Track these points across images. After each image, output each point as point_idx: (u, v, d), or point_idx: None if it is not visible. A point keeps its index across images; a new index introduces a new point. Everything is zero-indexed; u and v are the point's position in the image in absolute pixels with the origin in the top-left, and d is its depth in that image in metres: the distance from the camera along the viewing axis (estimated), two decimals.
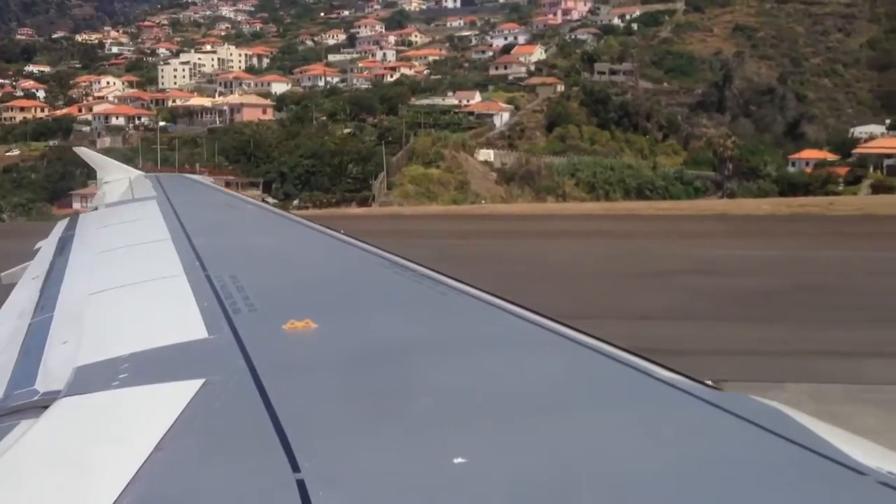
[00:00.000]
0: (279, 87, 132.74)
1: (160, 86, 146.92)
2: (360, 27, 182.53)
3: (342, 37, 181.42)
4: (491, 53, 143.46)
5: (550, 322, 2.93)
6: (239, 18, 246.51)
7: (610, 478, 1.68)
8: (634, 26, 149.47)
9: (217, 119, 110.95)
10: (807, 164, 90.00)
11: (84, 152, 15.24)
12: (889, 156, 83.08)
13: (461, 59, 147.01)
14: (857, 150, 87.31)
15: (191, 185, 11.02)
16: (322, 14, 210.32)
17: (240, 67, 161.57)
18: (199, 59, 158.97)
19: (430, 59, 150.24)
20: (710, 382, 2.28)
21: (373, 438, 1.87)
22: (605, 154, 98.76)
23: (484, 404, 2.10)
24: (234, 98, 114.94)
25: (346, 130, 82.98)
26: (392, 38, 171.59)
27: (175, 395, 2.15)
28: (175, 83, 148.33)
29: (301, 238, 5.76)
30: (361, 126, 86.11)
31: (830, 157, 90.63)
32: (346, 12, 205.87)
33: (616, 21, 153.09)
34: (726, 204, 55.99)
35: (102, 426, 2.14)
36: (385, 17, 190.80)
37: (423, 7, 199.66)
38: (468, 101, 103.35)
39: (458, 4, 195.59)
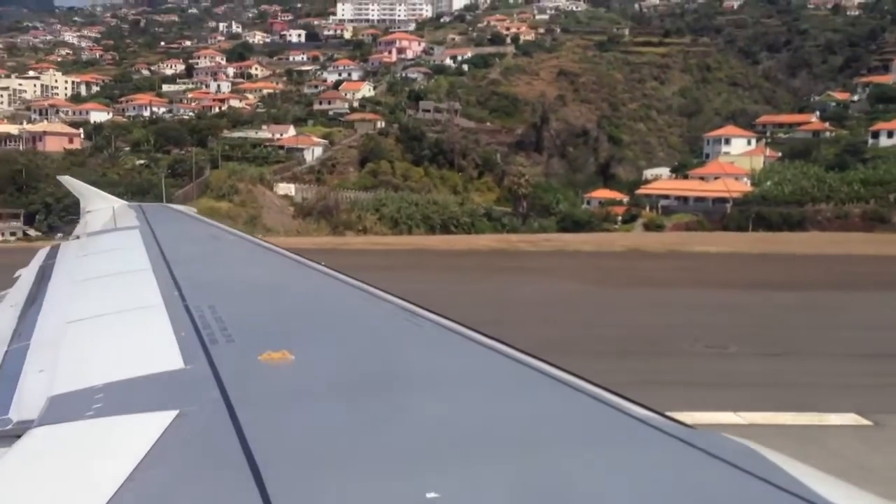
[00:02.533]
0: (99, 116, 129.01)
1: None
2: (199, 58, 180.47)
3: (181, 67, 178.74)
4: (323, 88, 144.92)
5: (527, 357, 2.94)
6: (83, 45, 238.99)
7: None
8: (465, 67, 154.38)
9: (22, 146, 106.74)
10: (600, 203, 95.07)
11: (68, 181, 14.64)
12: (666, 196, 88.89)
13: (294, 94, 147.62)
14: (639, 191, 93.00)
15: (175, 216, 10.78)
16: (162, 43, 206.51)
17: (65, 94, 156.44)
18: (20, 84, 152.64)
19: (265, 91, 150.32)
20: (683, 421, 2.31)
21: (347, 474, 1.86)
22: (416, 190, 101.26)
23: (459, 440, 2.11)
24: (39, 126, 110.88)
25: (140, 162, 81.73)
26: (230, 70, 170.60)
27: (148, 426, 2.15)
28: None
29: (282, 270, 5.69)
30: (157, 158, 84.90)
31: (623, 196, 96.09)
32: (189, 42, 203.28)
33: (448, 62, 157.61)
34: (458, 240, 58.46)
35: (75, 456, 2.12)
36: (228, 48, 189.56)
37: (267, 40, 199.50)
38: (281, 134, 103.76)
39: (303, 39, 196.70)
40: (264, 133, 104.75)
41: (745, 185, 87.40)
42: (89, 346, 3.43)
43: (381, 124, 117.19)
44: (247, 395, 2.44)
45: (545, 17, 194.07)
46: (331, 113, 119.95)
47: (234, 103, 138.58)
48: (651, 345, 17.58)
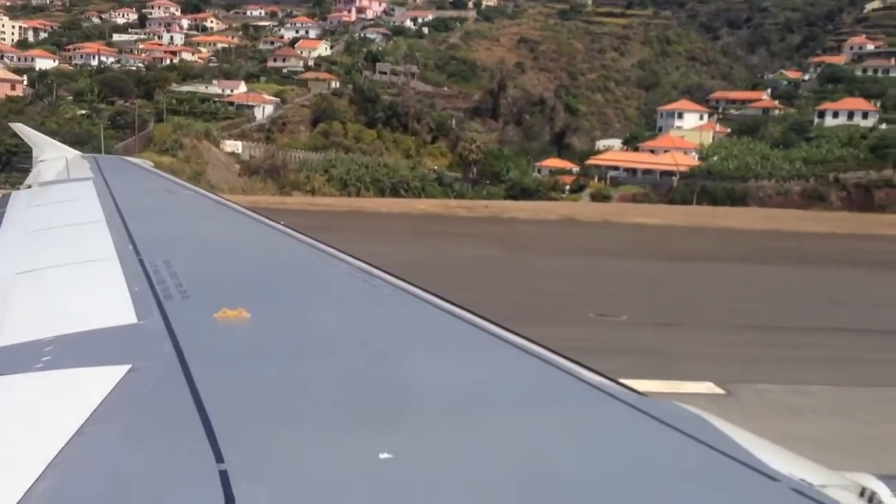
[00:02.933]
0: (45, 63, 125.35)
1: None
2: (153, 7, 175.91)
3: (134, 17, 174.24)
4: (280, 45, 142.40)
5: (482, 320, 2.91)
6: None
7: (529, 478, 1.66)
8: (426, 30, 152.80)
9: None
10: (550, 172, 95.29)
11: (20, 128, 13.96)
12: (615, 168, 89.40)
13: (250, 49, 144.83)
14: (589, 162, 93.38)
15: (130, 169, 10.54)
16: None
17: (11, 40, 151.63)
18: None
19: (219, 46, 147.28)
20: (636, 388, 2.29)
21: (298, 431, 1.83)
22: (368, 152, 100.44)
23: (411, 401, 2.08)
24: None
25: (81, 112, 79.79)
26: (185, 22, 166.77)
27: (99, 380, 2.07)
28: None
29: (239, 227, 5.59)
30: (99, 109, 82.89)
31: (574, 166, 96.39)
32: None
33: (408, 23, 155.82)
34: (396, 203, 58.34)
35: (23, 408, 2.06)
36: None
37: None
38: (232, 90, 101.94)
39: None
40: (214, 88, 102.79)
41: (693, 160, 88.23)
42: (39, 297, 3.36)
43: (335, 84, 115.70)
44: (201, 351, 2.41)
45: None
46: (284, 71, 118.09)
47: (187, 56, 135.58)
48: (548, 312, 17.70)
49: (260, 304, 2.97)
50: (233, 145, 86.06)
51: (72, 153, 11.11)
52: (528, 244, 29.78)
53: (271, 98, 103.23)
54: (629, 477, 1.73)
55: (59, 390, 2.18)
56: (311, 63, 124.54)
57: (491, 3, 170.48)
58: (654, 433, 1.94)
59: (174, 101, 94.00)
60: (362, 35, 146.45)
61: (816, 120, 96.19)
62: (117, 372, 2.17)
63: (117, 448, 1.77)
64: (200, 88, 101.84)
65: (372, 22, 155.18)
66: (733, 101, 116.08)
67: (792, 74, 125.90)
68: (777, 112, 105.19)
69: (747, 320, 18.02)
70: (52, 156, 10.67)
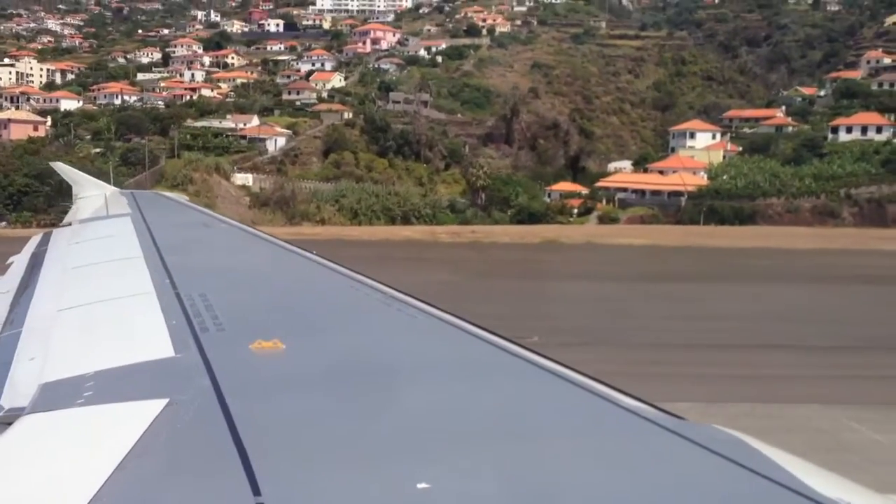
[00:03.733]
0: (69, 104, 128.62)
1: None
2: (176, 46, 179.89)
3: (158, 55, 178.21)
4: (296, 78, 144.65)
5: (516, 347, 2.96)
6: (66, 32, 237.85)
7: None
8: (439, 59, 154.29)
9: None
10: (560, 195, 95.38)
11: (60, 167, 14.36)
12: (623, 189, 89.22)
13: (268, 83, 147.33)
14: (598, 184, 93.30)
15: (166, 203, 10.62)
16: (139, 31, 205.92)
17: (40, 82, 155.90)
18: None
19: (238, 81, 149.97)
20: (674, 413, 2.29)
21: (336, 462, 1.86)
22: (380, 181, 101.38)
23: (449, 429, 2.10)
24: (5, 113, 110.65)
25: (96, 150, 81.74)
26: (206, 59, 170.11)
27: (139, 414, 2.14)
28: None
29: (273, 258, 5.66)
30: (114, 147, 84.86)
31: (585, 189, 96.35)
32: (167, 31, 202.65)
33: (422, 52, 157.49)
34: (381, 230, 58.78)
35: (66, 444, 2.11)
36: (206, 37, 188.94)
37: (246, 29, 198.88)
38: (245, 124, 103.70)
39: (281, 29, 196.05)
40: (228, 123, 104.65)
41: (702, 179, 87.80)
42: (80, 333, 3.40)
43: (348, 115, 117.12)
44: (237, 383, 2.43)
45: (523, 8, 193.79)
46: (298, 103, 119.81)
47: (206, 92, 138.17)
48: None
49: (294, 335, 3.01)
50: (243, 178, 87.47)
51: (110, 189, 11.23)
52: (489, 269, 29.96)
53: (283, 130, 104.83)
54: (672, 503, 1.70)
55: (100, 425, 2.21)
56: (324, 95, 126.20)
57: (505, 30, 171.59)
58: (696, 458, 1.92)
59: (188, 137, 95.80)
60: (376, 66, 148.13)
61: (830, 136, 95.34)
62: (156, 406, 2.20)
63: (157, 482, 1.78)
64: (214, 123, 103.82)
65: (386, 52, 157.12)
66: (747, 120, 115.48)
67: (807, 91, 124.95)
68: (790, 129, 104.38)
69: (663, 339, 18.01)
70: (91, 193, 10.76)
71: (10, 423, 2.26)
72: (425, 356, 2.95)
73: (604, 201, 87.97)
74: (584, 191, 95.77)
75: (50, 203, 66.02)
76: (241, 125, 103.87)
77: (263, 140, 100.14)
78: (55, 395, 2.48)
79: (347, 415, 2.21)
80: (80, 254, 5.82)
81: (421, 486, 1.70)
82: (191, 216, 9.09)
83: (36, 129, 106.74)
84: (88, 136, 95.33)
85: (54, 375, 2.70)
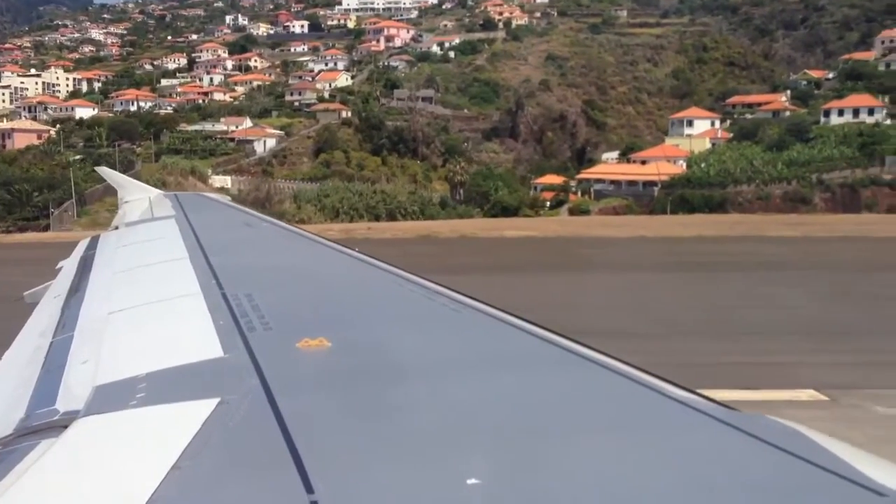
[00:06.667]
0: (85, 112, 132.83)
1: None
2: (202, 51, 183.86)
3: (184, 61, 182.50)
4: (309, 79, 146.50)
5: (563, 339, 2.98)
6: (108, 41, 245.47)
7: (625, 501, 1.69)
8: (452, 54, 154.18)
9: None
10: (536, 188, 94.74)
11: (106, 172, 15.01)
12: (600, 181, 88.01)
13: (283, 85, 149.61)
14: (579, 176, 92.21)
15: (209, 204, 10.92)
16: (168, 38, 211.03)
17: (66, 91, 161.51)
18: (22, 82, 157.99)
19: (255, 83, 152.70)
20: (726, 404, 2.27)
21: (387, 459, 1.89)
22: (372, 179, 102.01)
23: (498, 424, 2.12)
24: (14, 123, 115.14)
25: (76, 157, 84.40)
26: (229, 63, 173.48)
27: (191, 414, 2.20)
28: None
29: (317, 256, 5.77)
30: (96, 153, 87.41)
31: (571, 181, 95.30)
32: (195, 36, 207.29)
33: (434, 48, 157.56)
34: (332, 227, 58.93)
35: (120, 445, 2.18)
36: (232, 41, 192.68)
37: (271, 31, 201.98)
38: (237, 126, 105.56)
39: (306, 30, 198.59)
40: (221, 126, 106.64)
41: (681, 168, 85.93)
42: (131, 336, 3.53)
43: (346, 114, 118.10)
44: (285, 382, 2.51)
45: (545, 0, 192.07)
46: (296, 104, 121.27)
47: (218, 96, 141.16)
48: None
49: (340, 332, 3.05)
50: (221, 180, 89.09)
51: (154, 192, 11.33)
52: None
53: (274, 132, 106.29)
54: (729, 497, 1.71)
55: (154, 426, 2.27)
56: (325, 94, 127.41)
57: (522, 23, 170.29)
58: (749, 449, 1.91)
59: (177, 141, 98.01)
60: (387, 63, 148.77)
61: (823, 119, 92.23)
62: (208, 406, 2.26)
63: (212, 481, 1.84)
64: (207, 127, 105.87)
65: (398, 50, 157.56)
66: (749, 106, 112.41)
67: (817, 74, 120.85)
68: (787, 113, 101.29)
69: None
70: (135, 196, 10.87)
71: (66, 426, 2.32)
72: (471, 351, 2.95)
73: (579, 193, 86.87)
74: (572, 183, 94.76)
75: (9, 211, 68.44)
76: (232, 128, 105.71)
77: (251, 142, 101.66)
78: (109, 398, 2.55)
79: (395, 411, 2.26)
80: (127, 257, 5.96)
81: (471, 481, 1.70)
82: (233, 216, 9.17)
83: (40, 137, 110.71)
84: (81, 143, 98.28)
85: (107, 378, 2.77)
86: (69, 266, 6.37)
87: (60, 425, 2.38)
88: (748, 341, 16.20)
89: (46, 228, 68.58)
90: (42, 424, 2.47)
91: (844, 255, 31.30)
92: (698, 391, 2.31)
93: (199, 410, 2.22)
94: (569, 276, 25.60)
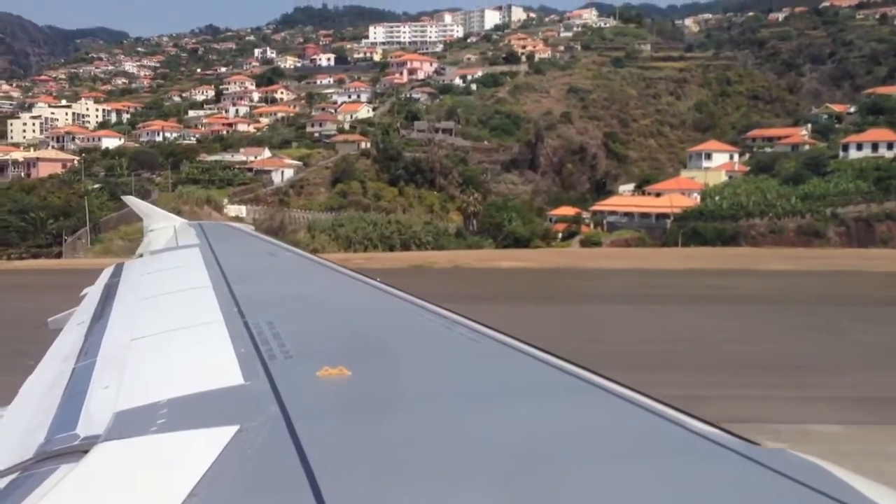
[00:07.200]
0: (111, 142, 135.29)
1: (10, 139, 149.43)
2: (229, 83, 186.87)
3: (212, 93, 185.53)
4: (331, 111, 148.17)
5: (583, 371, 2.99)
6: (141, 73, 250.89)
7: None
8: (474, 86, 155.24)
9: (22, 173, 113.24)
10: (551, 219, 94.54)
11: (131, 200, 15.31)
12: (613, 213, 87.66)
13: (306, 117, 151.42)
14: (593, 208, 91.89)
15: (233, 233, 11.12)
16: (198, 70, 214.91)
17: (96, 122, 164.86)
18: (52, 113, 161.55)
19: (279, 115, 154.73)
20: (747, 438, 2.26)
21: (405, 488, 1.90)
22: (389, 210, 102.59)
23: (517, 454, 2.13)
24: (40, 152, 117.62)
25: (95, 186, 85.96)
26: (256, 95, 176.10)
27: (211, 441, 2.22)
28: (24, 137, 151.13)
29: (338, 285, 5.83)
30: (115, 182, 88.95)
31: (585, 213, 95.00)
32: (224, 69, 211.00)
33: (457, 81, 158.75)
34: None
35: (139, 471, 2.20)
36: (259, 73, 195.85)
37: (298, 64, 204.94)
38: (255, 157, 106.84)
39: (332, 63, 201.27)
40: (240, 156, 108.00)
41: (695, 201, 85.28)
42: (153, 362, 3.56)
43: (365, 145, 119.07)
44: (305, 410, 2.52)
45: (569, 34, 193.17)
46: (315, 135, 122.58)
47: (242, 127, 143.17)
48: None
49: (360, 362, 3.04)
50: (237, 210, 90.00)
51: (179, 221, 11.51)
52: None
53: (292, 162, 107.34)
54: None
55: (173, 452, 2.28)
56: (346, 126, 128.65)
57: (545, 56, 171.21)
58: (771, 485, 1.90)
59: (195, 171, 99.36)
60: (409, 95, 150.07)
61: (842, 153, 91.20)
62: (227, 433, 2.28)
63: None
64: (227, 157, 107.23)
65: (421, 82, 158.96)
66: (769, 139, 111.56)
67: (839, 108, 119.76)
68: (806, 147, 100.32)
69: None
70: (160, 225, 11.02)
71: (86, 451, 2.35)
72: (491, 381, 2.96)
73: (592, 225, 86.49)
74: (586, 215, 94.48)
75: (23, 238, 69.66)
76: (251, 158, 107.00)
77: (269, 172, 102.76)
78: (129, 423, 2.57)
79: (414, 440, 2.27)
80: (151, 284, 6.06)
81: None
82: (256, 245, 9.33)
83: (64, 166, 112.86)
84: (102, 173, 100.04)
85: (128, 403, 2.79)
86: (93, 293, 6.43)
87: (80, 450, 2.37)
88: (648, 373, 15.81)
89: (59, 255, 69.71)
90: (62, 449, 2.47)
91: (824, 289, 30.72)
92: (720, 425, 2.29)
93: (218, 437, 2.23)
94: (529, 306, 25.38)
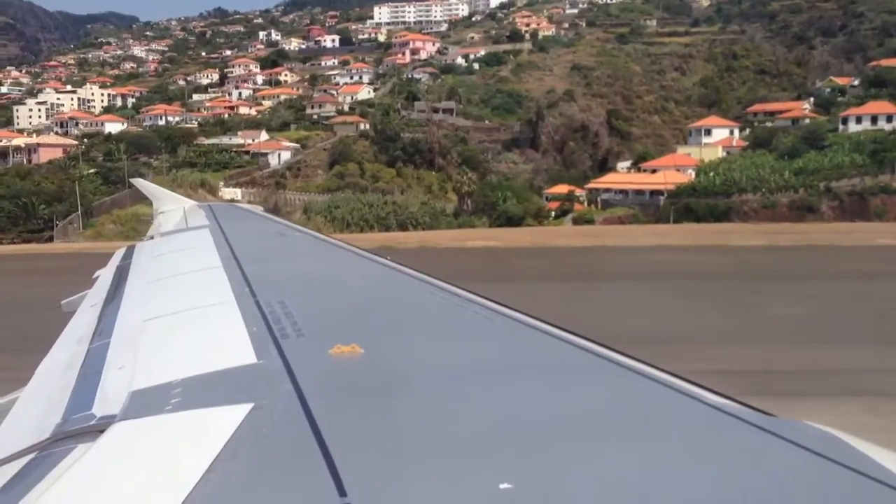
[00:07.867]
0: (114, 127, 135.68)
1: (16, 126, 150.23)
2: (234, 66, 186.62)
3: (217, 76, 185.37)
4: (333, 92, 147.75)
5: (596, 346, 2.98)
6: (150, 58, 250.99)
7: None
8: (476, 66, 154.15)
9: (24, 159, 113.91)
10: (549, 198, 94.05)
11: (140, 183, 15.41)
12: (608, 190, 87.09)
13: (309, 99, 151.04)
14: (589, 185, 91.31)
15: (242, 214, 11.17)
16: (203, 54, 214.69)
17: (101, 107, 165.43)
18: (58, 98, 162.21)
19: (282, 97, 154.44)
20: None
21: (419, 463, 1.90)
22: (386, 191, 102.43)
23: (531, 430, 2.11)
24: (41, 138, 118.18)
25: (90, 171, 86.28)
26: (260, 78, 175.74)
27: (225, 419, 2.22)
28: (30, 123, 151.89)
29: (349, 264, 5.86)
30: (111, 167, 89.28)
31: (581, 191, 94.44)
32: (229, 52, 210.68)
33: (459, 60, 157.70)
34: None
35: (156, 450, 2.19)
36: (264, 56, 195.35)
37: (303, 46, 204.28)
38: (253, 139, 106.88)
39: (337, 44, 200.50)
40: (238, 139, 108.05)
41: (689, 177, 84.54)
42: (166, 342, 3.58)
43: (364, 126, 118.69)
44: (318, 387, 2.53)
45: (575, 11, 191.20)
46: (314, 117, 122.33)
47: (244, 110, 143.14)
48: None
49: (372, 339, 3.06)
50: (231, 192, 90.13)
51: (188, 203, 11.51)
52: None
53: (290, 144, 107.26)
54: (765, 502, 1.71)
55: (188, 430, 2.29)
56: (346, 108, 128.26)
57: (548, 33, 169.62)
58: (786, 455, 1.90)
59: (192, 154, 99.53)
60: (410, 75, 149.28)
61: (841, 127, 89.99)
62: (241, 411, 2.29)
63: (245, 484, 1.86)
64: (224, 140, 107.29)
65: (423, 62, 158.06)
66: (771, 114, 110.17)
67: (843, 81, 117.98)
68: (807, 121, 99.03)
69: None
70: (170, 207, 11.09)
71: (102, 431, 2.38)
72: (503, 358, 2.95)
73: (586, 203, 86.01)
74: (579, 192, 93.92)
75: (14, 223, 70.18)
76: (248, 141, 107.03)
77: (266, 155, 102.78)
78: (144, 403, 2.59)
79: (427, 416, 2.28)
80: (162, 266, 6.10)
81: (503, 486, 1.72)
82: (266, 226, 9.37)
83: (66, 152, 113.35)
84: (100, 157, 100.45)
85: (143, 383, 2.82)
86: (105, 275, 6.47)
87: (97, 430, 2.40)
88: None
89: (50, 240, 70.27)
90: (79, 429, 2.49)
91: (771, 265, 30.42)
92: (734, 397, 2.29)
93: (232, 415, 2.25)
94: (465, 285, 25.29)
